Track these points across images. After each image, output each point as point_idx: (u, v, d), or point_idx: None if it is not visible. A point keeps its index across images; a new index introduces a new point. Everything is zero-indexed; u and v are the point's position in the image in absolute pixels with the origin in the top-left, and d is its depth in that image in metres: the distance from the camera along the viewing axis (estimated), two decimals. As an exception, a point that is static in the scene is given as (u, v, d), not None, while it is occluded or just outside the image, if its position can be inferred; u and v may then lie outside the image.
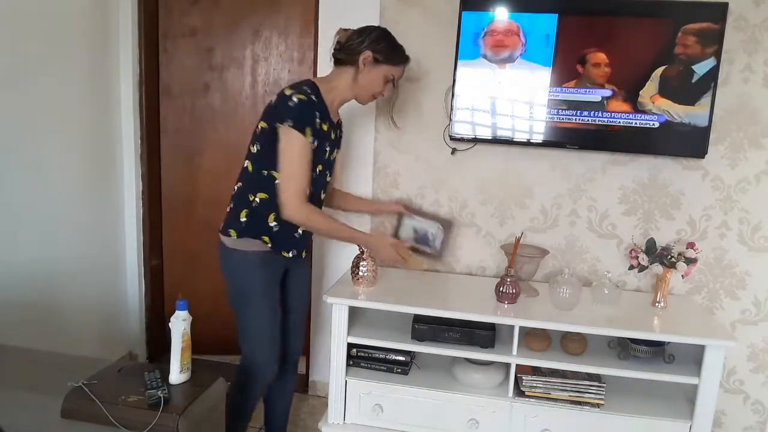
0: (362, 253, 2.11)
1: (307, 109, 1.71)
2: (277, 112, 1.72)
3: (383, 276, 2.23)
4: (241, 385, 1.90)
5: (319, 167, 1.83)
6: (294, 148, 1.69)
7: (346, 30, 1.88)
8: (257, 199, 1.77)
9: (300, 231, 1.84)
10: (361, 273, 2.10)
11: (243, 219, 1.77)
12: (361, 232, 1.98)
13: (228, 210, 1.83)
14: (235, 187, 1.83)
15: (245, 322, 1.86)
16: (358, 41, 1.82)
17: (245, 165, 1.80)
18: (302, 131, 1.69)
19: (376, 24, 2.30)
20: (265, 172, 1.75)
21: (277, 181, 1.74)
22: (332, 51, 1.88)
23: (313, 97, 1.74)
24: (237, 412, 1.90)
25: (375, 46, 1.82)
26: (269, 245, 1.79)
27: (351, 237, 1.92)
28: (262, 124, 1.76)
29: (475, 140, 2.30)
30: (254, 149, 1.78)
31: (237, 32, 2.68)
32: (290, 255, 1.85)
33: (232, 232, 1.78)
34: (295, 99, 1.69)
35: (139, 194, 2.71)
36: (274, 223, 1.78)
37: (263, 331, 1.85)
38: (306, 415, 2.09)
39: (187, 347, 1.59)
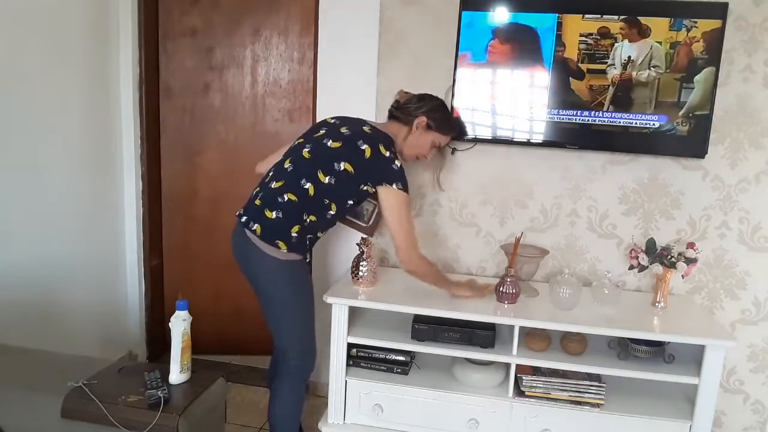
0: (362, 253, 2.11)
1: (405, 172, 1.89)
2: (383, 173, 1.85)
3: (383, 276, 2.23)
4: (297, 384, 1.96)
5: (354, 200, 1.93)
6: (404, 207, 1.88)
7: (406, 92, 2.05)
8: (308, 220, 1.85)
9: (310, 236, 1.89)
10: (361, 273, 2.10)
11: (294, 234, 1.83)
12: (450, 281, 2.07)
13: (273, 216, 1.82)
14: (285, 197, 1.82)
15: (296, 322, 1.92)
16: (417, 105, 1.99)
17: (306, 186, 1.83)
18: (407, 192, 1.88)
19: (377, 22, 2.32)
20: (327, 201, 1.86)
21: (329, 213, 1.88)
22: (391, 108, 2.05)
23: None
24: (298, 408, 2.00)
25: (432, 114, 1.99)
26: (303, 256, 1.90)
27: (447, 286, 2.04)
28: (347, 166, 1.83)
29: (475, 140, 2.30)
30: (326, 180, 1.83)
31: (237, 32, 2.68)
32: (308, 260, 1.95)
33: (282, 245, 1.81)
34: (398, 163, 1.86)
35: (139, 194, 2.71)
36: (306, 235, 1.87)
37: (312, 327, 1.96)
38: (306, 415, 2.09)
39: (187, 347, 1.59)
